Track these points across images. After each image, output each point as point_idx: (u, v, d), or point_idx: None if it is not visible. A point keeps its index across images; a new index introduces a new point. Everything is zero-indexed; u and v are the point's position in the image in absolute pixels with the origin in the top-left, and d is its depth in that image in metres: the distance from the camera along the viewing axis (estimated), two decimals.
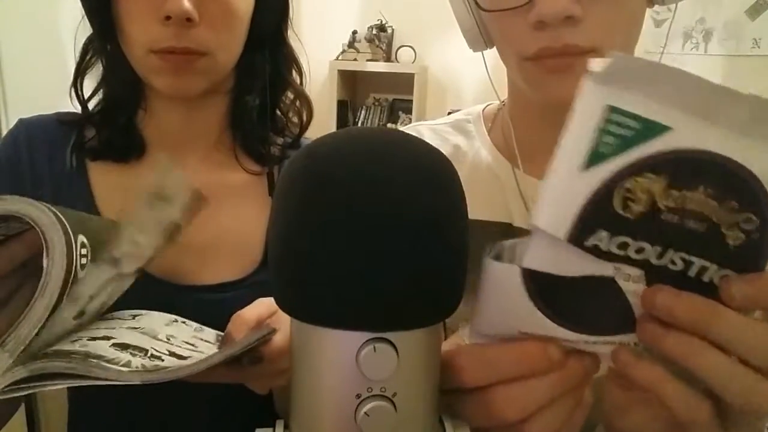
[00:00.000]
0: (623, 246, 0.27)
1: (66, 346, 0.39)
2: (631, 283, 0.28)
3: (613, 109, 0.25)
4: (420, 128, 0.69)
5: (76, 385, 0.36)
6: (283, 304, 0.28)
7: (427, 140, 0.71)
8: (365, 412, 0.26)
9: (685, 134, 0.25)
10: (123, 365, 0.37)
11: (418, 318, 0.27)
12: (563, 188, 0.26)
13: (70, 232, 0.37)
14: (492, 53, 0.62)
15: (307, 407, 0.28)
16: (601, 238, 0.26)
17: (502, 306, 0.30)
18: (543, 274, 0.28)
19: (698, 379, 0.28)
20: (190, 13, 0.54)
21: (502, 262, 0.29)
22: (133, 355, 0.40)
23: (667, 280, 0.28)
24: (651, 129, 0.25)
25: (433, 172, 0.27)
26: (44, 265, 0.36)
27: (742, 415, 0.30)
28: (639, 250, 0.27)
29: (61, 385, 0.36)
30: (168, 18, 0.54)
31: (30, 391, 0.35)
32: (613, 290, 0.28)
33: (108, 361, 0.37)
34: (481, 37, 0.57)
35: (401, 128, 0.75)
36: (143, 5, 0.55)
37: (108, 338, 0.42)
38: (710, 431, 0.30)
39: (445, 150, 0.66)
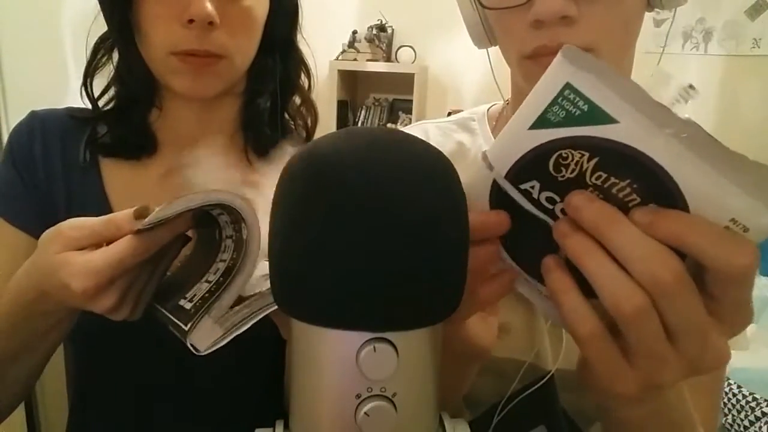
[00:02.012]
0: (551, 201, 0.31)
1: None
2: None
3: (570, 87, 0.28)
4: (426, 126, 0.70)
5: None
6: (283, 304, 0.28)
7: (432, 137, 0.72)
8: (365, 412, 0.26)
9: (629, 131, 0.27)
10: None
11: (418, 318, 0.27)
12: (511, 137, 0.31)
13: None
14: (494, 53, 0.62)
15: (307, 407, 0.28)
16: (534, 186, 0.31)
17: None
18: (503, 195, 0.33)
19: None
20: (213, 16, 0.55)
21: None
22: None
23: None
24: (597, 116, 0.27)
25: (433, 171, 0.27)
26: (245, 241, 0.42)
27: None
28: (563, 211, 0.31)
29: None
30: (191, 21, 0.55)
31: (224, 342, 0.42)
32: (547, 234, 0.32)
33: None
34: (485, 34, 0.58)
35: (407, 126, 0.75)
36: (166, 8, 0.56)
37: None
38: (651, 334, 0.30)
39: (449, 146, 0.67)
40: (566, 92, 0.28)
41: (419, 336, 0.27)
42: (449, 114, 0.76)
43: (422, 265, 0.25)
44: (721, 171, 0.26)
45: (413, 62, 2.70)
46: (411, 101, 2.66)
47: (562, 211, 0.31)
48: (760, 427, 1.44)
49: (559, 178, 0.30)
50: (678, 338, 0.29)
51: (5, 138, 1.53)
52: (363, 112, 2.89)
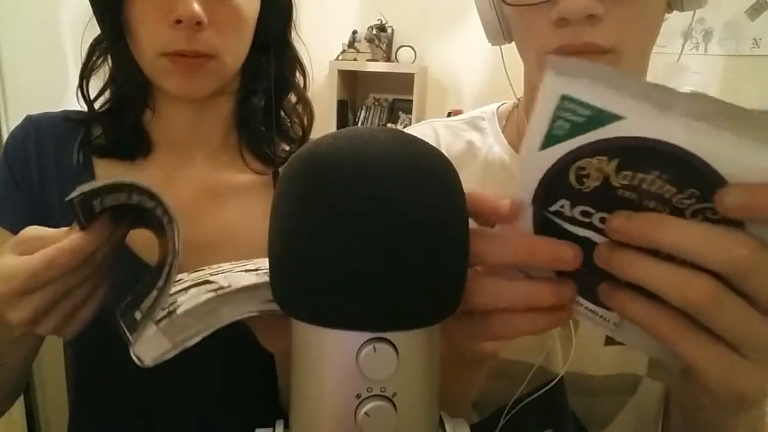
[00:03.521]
0: (586, 214, 0.30)
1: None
2: None
3: (567, 98, 0.28)
4: (435, 125, 0.70)
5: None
6: (283, 304, 0.28)
7: (442, 136, 0.72)
8: (365, 412, 0.26)
9: (638, 123, 0.26)
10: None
11: (418, 318, 0.27)
12: (526, 164, 0.31)
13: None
14: (495, 52, 0.62)
15: (307, 407, 0.28)
16: (563, 205, 0.31)
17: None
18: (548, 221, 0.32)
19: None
20: (200, 16, 0.55)
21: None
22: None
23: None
24: (602, 117, 0.27)
25: (433, 172, 0.27)
26: (173, 238, 0.38)
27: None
28: (602, 220, 0.30)
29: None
30: (178, 21, 0.55)
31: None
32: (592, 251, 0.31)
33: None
34: (500, 31, 0.58)
35: (414, 125, 0.75)
36: (154, 9, 0.56)
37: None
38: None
39: (458, 146, 0.67)
40: (565, 104, 0.28)
41: (419, 336, 0.27)
42: (449, 114, 0.76)
43: (422, 265, 0.25)
44: (744, 134, 0.24)
45: (413, 62, 2.70)
46: (411, 101, 2.66)
47: (601, 220, 0.30)
48: None
49: (584, 190, 0.29)
50: None
51: (5, 138, 1.53)
52: (363, 112, 2.89)
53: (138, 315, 0.39)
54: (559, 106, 0.28)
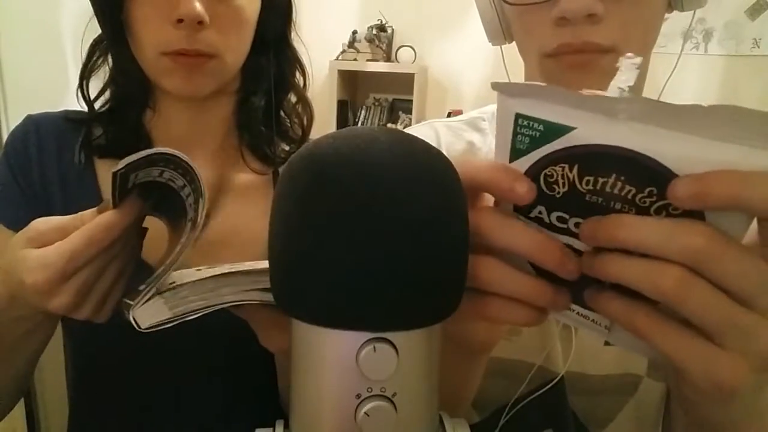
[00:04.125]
0: (562, 220, 0.32)
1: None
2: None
3: (521, 116, 0.30)
4: (435, 125, 0.70)
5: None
6: (282, 304, 0.28)
7: (443, 136, 0.72)
8: (365, 412, 0.26)
9: (588, 132, 0.28)
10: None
11: (418, 318, 0.27)
12: None
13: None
14: (496, 51, 0.62)
15: (307, 407, 0.28)
16: (541, 211, 0.32)
17: None
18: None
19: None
20: (202, 16, 0.55)
21: None
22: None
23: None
24: (555, 129, 0.29)
25: (433, 172, 0.27)
26: (196, 216, 0.40)
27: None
28: (578, 225, 0.31)
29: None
30: (180, 21, 0.55)
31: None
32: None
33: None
34: (501, 31, 0.58)
35: (415, 125, 0.75)
36: (156, 9, 0.56)
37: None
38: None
39: (459, 146, 0.67)
40: (520, 121, 0.30)
41: (419, 336, 0.27)
42: (449, 114, 0.76)
43: (422, 265, 0.25)
44: (688, 131, 0.26)
45: (413, 62, 2.70)
46: (411, 101, 2.66)
47: (576, 225, 0.31)
48: None
49: (556, 196, 0.31)
50: (753, 301, 0.26)
51: (5, 138, 1.53)
52: (363, 112, 2.89)
53: (142, 287, 0.40)
54: (516, 123, 0.31)
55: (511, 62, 0.59)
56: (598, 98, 0.28)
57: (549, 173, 0.31)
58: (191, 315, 0.39)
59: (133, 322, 0.38)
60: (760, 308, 0.27)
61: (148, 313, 0.38)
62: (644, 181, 0.28)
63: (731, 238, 0.26)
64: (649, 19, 0.50)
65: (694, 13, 0.53)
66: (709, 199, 0.25)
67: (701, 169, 0.26)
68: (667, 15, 0.54)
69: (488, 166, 0.31)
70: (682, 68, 0.59)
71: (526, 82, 0.30)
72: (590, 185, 0.29)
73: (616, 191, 0.29)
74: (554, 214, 0.32)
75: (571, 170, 0.30)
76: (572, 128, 0.29)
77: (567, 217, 0.31)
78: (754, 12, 2.37)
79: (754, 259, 0.26)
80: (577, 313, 0.35)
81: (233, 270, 0.40)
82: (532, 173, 0.31)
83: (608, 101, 0.27)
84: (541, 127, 0.30)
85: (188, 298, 0.39)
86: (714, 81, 2.44)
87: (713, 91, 2.44)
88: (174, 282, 0.40)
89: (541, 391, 0.55)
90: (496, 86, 0.30)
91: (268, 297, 0.40)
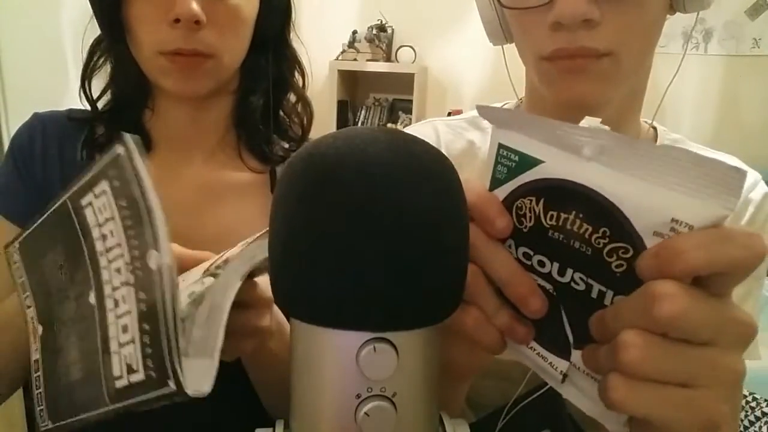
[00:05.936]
0: (527, 256, 0.32)
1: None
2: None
3: (502, 146, 0.32)
4: (436, 123, 0.70)
5: None
6: (282, 304, 0.28)
7: (442, 135, 0.72)
8: (365, 412, 0.26)
9: (554, 166, 0.29)
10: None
11: (418, 318, 0.27)
12: None
13: None
14: (497, 51, 0.62)
15: (307, 407, 0.28)
16: (510, 245, 0.33)
17: None
18: None
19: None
20: (199, 15, 0.55)
21: None
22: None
23: (574, 299, 0.31)
24: (527, 162, 0.30)
25: (434, 171, 0.27)
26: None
27: None
28: (540, 263, 0.31)
29: None
30: (177, 21, 0.55)
31: None
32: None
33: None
34: (501, 31, 0.57)
35: (415, 123, 0.75)
36: (153, 8, 0.57)
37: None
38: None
39: (459, 145, 0.67)
40: (501, 151, 0.32)
41: (419, 336, 0.27)
42: (449, 114, 0.76)
43: (422, 265, 0.25)
44: (642, 177, 0.26)
45: (413, 62, 2.70)
46: (411, 101, 2.66)
47: (540, 263, 0.31)
48: (760, 427, 1.44)
49: (524, 230, 0.32)
50: (713, 341, 0.27)
51: (5, 138, 1.53)
52: (363, 112, 2.89)
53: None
54: (498, 152, 0.32)
55: (511, 62, 0.59)
56: (570, 131, 0.28)
57: (519, 205, 0.31)
58: (219, 341, 0.34)
59: (195, 394, 0.31)
60: (721, 345, 0.27)
61: (198, 379, 0.32)
62: (599, 220, 0.28)
63: (687, 290, 0.25)
64: (648, 22, 0.49)
65: (698, 14, 0.53)
66: (668, 273, 0.25)
67: (650, 217, 0.26)
68: (668, 16, 0.53)
69: (477, 191, 0.32)
70: (682, 68, 0.59)
71: (509, 109, 0.30)
72: (553, 220, 0.30)
73: (575, 228, 0.29)
74: (521, 249, 0.32)
75: (537, 203, 0.30)
76: (541, 161, 0.30)
77: (531, 253, 0.32)
78: (754, 12, 2.38)
79: (708, 303, 0.26)
80: (537, 352, 0.34)
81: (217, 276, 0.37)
82: (507, 204, 0.32)
83: (578, 135, 0.28)
84: (516, 158, 0.31)
85: (203, 335, 0.34)
86: (714, 81, 2.44)
87: (713, 91, 2.44)
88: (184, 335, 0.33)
89: (539, 393, 0.55)
90: (481, 111, 0.31)
91: (254, 262, 0.39)
